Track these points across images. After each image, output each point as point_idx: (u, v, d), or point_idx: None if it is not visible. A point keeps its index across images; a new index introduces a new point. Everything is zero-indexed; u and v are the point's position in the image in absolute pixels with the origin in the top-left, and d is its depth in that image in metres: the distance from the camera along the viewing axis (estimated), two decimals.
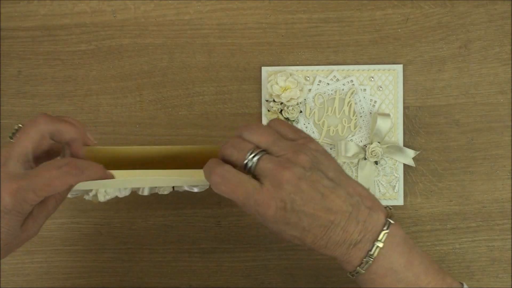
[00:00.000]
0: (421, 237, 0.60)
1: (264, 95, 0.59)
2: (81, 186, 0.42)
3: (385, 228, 0.42)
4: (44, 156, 0.44)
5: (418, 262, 0.42)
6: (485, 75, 0.60)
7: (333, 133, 0.59)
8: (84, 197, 0.48)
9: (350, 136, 0.59)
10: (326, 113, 0.59)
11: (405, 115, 0.60)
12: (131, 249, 0.60)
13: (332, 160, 0.43)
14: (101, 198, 0.48)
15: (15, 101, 0.60)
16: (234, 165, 0.42)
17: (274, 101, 0.58)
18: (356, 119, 0.59)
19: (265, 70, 0.59)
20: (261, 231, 0.60)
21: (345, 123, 0.59)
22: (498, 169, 0.60)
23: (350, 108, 0.58)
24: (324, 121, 0.59)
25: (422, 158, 0.60)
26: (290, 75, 0.57)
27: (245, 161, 0.41)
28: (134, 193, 0.60)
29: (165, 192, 0.50)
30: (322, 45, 0.60)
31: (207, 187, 0.48)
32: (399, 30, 0.60)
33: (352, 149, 0.57)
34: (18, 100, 0.60)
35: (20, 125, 0.43)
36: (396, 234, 0.42)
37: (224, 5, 0.60)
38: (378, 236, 0.42)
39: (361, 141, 0.59)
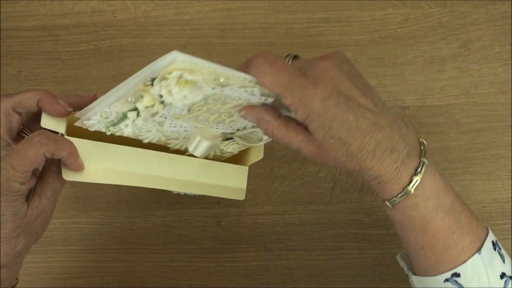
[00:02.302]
0: None
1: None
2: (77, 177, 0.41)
3: (423, 147, 0.40)
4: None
5: (451, 189, 0.41)
6: (485, 75, 0.60)
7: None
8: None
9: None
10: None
11: (405, 115, 0.60)
12: (131, 249, 0.60)
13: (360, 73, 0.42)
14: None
15: None
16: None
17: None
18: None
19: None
20: (261, 231, 0.60)
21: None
22: (498, 169, 0.60)
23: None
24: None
25: None
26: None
27: (285, 56, 0.40)
28: (134, 193, 0.60)
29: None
30: (322, 45, 0.60)
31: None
32: (399, 30, 0.60)
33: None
34: None
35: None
36: (430, 155, 0.41)
37: (224, 5, 0.60)
38: (421, 152, 0.40)
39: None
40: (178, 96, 0.37)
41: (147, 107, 0.39)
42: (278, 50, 0.60)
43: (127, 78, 0.61)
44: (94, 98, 0.43)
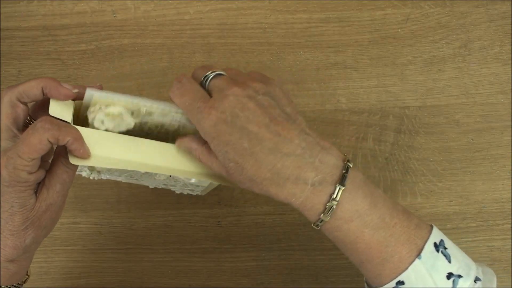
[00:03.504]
0: None
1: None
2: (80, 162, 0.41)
3: (344, 171, 0.40)
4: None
5: (382, 204, 0.41)
6: (485, 75, 0.60)
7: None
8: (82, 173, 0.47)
9: None
10: None
11: (405, 115, 0.60)
12: (131, 249, 0.60)
13: (293, 104, 0.42)
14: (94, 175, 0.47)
15: None
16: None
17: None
18: None
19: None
20: (261, 231, 0.60)
21: None
22: (498, 169, 0.60)
23: None
24: None
25: (422, 158, 0.60)
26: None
27: (203, 77, 0.42)
28: (134, 193, 0.60)
29: (161, 178, 0.49)
30: (322, 45, 0.60)
31: (206, 184, 0.48)
32: (399, 30, 0.60)
33: None
34: None
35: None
36: (356, 176, 0.41)
37: (224, 5, 0.60)
38: (338, 178, 0.40)
39: None
40: (111, 125, 0.42)
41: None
42: (278, 50, 0.60)
43: (127, 78, 0.61)
44: (100, 88, 0.43)
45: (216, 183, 0.47)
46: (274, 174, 0.39)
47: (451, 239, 0.61)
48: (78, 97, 0.43)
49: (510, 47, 0.60)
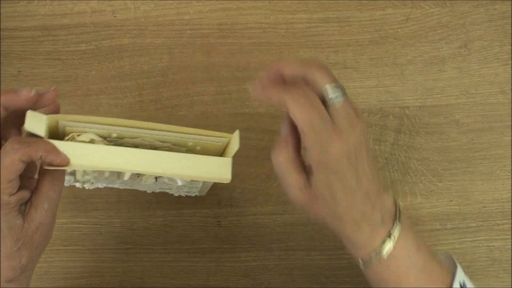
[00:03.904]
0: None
1: None
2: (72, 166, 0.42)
3: (397, 210, 0.41)
4: None
5: (424, 246, 0.42)
6: (485, 75, 0.60)
7: None
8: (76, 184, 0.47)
9: None
10: None
11: (405, 115, 0.60)
12: (131, 249, 0.60)
13: None
14: (87, 185, 0.47)
15: None
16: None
17: None
18: None
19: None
20: (261, 231, 0.60)
21: None
22: (498, 169, 0.60)
23: None
24: None
25: (422, 158, 0.60)
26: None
27: (333, 85, 0.38)
28: (134, 193, 0.60)
29: (149, 182, 0.49)
30: (322, 45, 0.60)
31: (199, 184, 0.48)
32: (399, 30, 0.60)
33: None
34: None
35: None
36: (406, 216, 0.41)
37: (224, 5, 0.60)
38: (396, 217, 0.41)
39: None
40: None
41: None
42: (278, 50, 0.60)
43: (127, 78, 0.61)
44: (54, 93, 0.43)
45: (208, 182, 0.47)
46: (358, 215, 0.40)
47: (451, 239, 0.61)
48: (54, 111, 0.44)
49: (510, 47, 0.60)
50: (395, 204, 0.42)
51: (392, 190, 0.43)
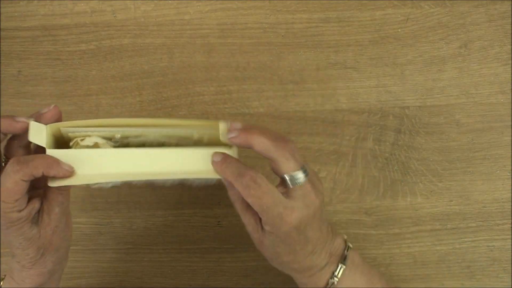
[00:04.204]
0: (421, 237, 0.60)
1: None
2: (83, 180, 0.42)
3: (346, 251, 0.45)
4: None
5: (377, 280, 0.46)
6: (485, 75, 0.60)
7: None
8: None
9: None
10: None
11: (405, 115, 0.60)
12: (131, 249, 0.60)
13: None
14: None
15: (15, 101, 0.60)
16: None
17: None
18: None
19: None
20: None
21: None
22: (498, 169, 0.60)
23: None
24: None
25: (422, 158, 0.60)
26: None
27: (293, 174, 0.42)
28: (134, 193, 0.60)
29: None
30: (322, 45, 0.60)
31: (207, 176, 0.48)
32: (399, 30, 0.60)
33: None
34: (18, 100, 0.60)
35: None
36: (355, 255, 0.46)
37: (224, 5, 0.60)
38: (341, 258, 0.45)
39: None
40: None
41: None
42: (278, 50, 0.60)
43: (127, 78, 0.61)
44: (56, 111, 0.44)
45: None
46: (300, 267, 0.44)
47: (451, 239, 0.61)
48: (55, 118, 0.43)
49: (510, 47, 0.60)
50: (344, 245, 0.45)
51: (341, 234, 0.47)
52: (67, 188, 0.43)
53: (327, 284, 0.44)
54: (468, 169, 0.60)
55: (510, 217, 0.59)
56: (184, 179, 0.51)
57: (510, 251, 0.59)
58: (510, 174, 0.60)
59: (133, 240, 0.60)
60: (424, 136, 0.60)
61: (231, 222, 0.60)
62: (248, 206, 0.43)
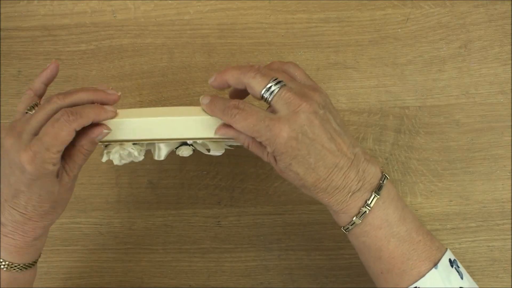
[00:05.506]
0: None
1: None
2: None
3: (381, 181, 0.43)
4: None
5: (410, 220, 0.44)
6: (485, 75, 0.60)
7: None
8: (102, 159, 0.49)
9: None
10: None
11: (405, 115, 0.60)
12: (131, 249, 0.60)
13: (338, 113, 0.45)
14: (116, 161, 0.48)
15: (15, 101, 0.60)
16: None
17: None
18: None
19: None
20: (261, 231, 0.60)
21: None
22: (498, 169, 0.60)
23: None
24: None
25: (422, 158, 0.60)
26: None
27: (267, 86, 0.42)
28: (134, 193, 0.60)
29: (185, 154, 0.50)
30: (322, 45, 0.60)
31: (224, 147, 0.50)
32: (399, 30, 0.60)
33: None
34: (18, 100, 0.60)
35: (38, 102, 0.46)
36: (391, 189, 0.44)
37: (224, 5, 0.60)
38: (375, 187, 0.43)
39: None
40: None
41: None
42: (278, 50, 0.60)
43: (127, 78, 0.61)
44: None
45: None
46: (328, 186, 0.43)
47: (451, 239, 0.61)
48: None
49: (510, 47, 0.60)
50: (381, 175, 0.44)
51: (376, 160, 0.46)
52: (90, 152, 0.45)
53: (359, 212, 0.43)
54: (468, 169, 0.60)
55: (510, 217, 0.59)
56: (198, 149, 0.52)
57: (510, 251, 0.59)
58: (510, 174, 0.60)
59: (133, 240, 0.60)
60: (424, 136, 0.60)
61: (231, 222, 0.60)
62: (260, 144, 0.44)
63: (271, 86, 0.42)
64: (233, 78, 0.44)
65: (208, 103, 0.45)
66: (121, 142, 0.47)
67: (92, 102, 0.45)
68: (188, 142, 0.49)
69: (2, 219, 0.45)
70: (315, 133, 0.42)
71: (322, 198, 0.44)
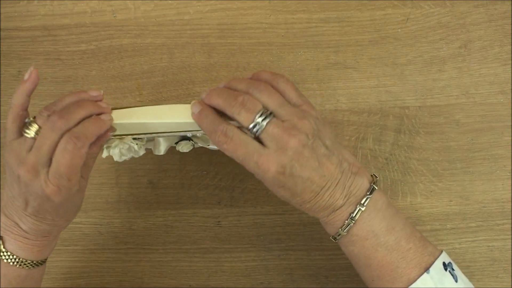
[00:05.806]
0: None
1: None
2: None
3: (368, 193, 0.44)
4: None
5: (400, 228, 0.44)
6: (485, 75, 0.60)
7: None
8: (103, 155, 0.49)
9: None
10: None
11: (405, 115, 0.60)
12: (131, 249, 0.60)
13: (328, 128, 0.45)
14: (116, 157, 0.49)
15: None
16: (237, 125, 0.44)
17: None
18: None
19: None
20: (261, 231, 0.60)
21: None
22: (498, 169, 0.60)
23: None
24: None
25: (422, 158, 0.60)
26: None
27: (253, 123, 0.42)
28: (134, 193, 0.60)
29: (185, 149, 0.50)
30: (322, 45, 0.60)
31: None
32: (399, 30, 0.60)
33: None
34: None
35: (30, 118, 0.45)
36: (379, 199, 0.44)
37: (224, 5, 0.60)
38: (361, 200, 0.43)
39: None
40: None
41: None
42: (278, 50, 0.60)
43: (127, 78, 0.61)
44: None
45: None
46: (314, 205, 0.44)
47: (451, 239, 0.61)
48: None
49: (510, 47, 0.60)
50: (368, 185, 0.44)
51: (366, 171, 0.46)
52: (98, 152, 0.46)
53: (343, 224, 0.44)
54: (468, 169, 0.60)
55: (510, 217, 0.59)
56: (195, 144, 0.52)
57: (510, 251, 0.59)
58: (510, 174, 0.60)
59: (133, 240, 0.60)
60: (424, 136, 0.60)
61: (231, 222, 0.60)
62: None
63: (257, 123, 0.42)
64: (219, 107, 0.44)
65: (197, 115, 0.45)
66: (121, 136, 0.48)
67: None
68: (188, 135, 0.49)
69: (24, 227, 0.45)
70: (303, 166, 0.42)
71: (309, 213, 0.45)
